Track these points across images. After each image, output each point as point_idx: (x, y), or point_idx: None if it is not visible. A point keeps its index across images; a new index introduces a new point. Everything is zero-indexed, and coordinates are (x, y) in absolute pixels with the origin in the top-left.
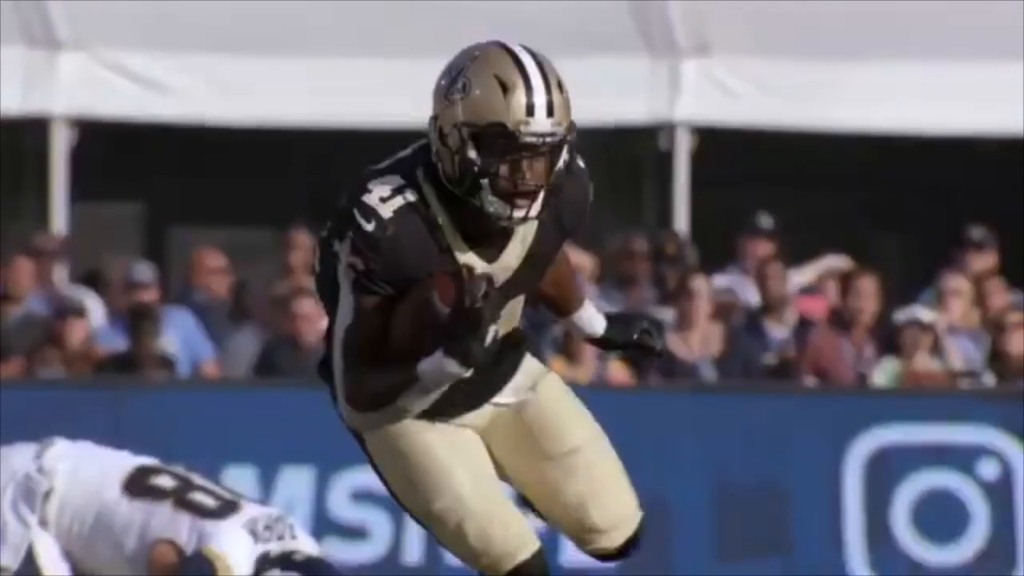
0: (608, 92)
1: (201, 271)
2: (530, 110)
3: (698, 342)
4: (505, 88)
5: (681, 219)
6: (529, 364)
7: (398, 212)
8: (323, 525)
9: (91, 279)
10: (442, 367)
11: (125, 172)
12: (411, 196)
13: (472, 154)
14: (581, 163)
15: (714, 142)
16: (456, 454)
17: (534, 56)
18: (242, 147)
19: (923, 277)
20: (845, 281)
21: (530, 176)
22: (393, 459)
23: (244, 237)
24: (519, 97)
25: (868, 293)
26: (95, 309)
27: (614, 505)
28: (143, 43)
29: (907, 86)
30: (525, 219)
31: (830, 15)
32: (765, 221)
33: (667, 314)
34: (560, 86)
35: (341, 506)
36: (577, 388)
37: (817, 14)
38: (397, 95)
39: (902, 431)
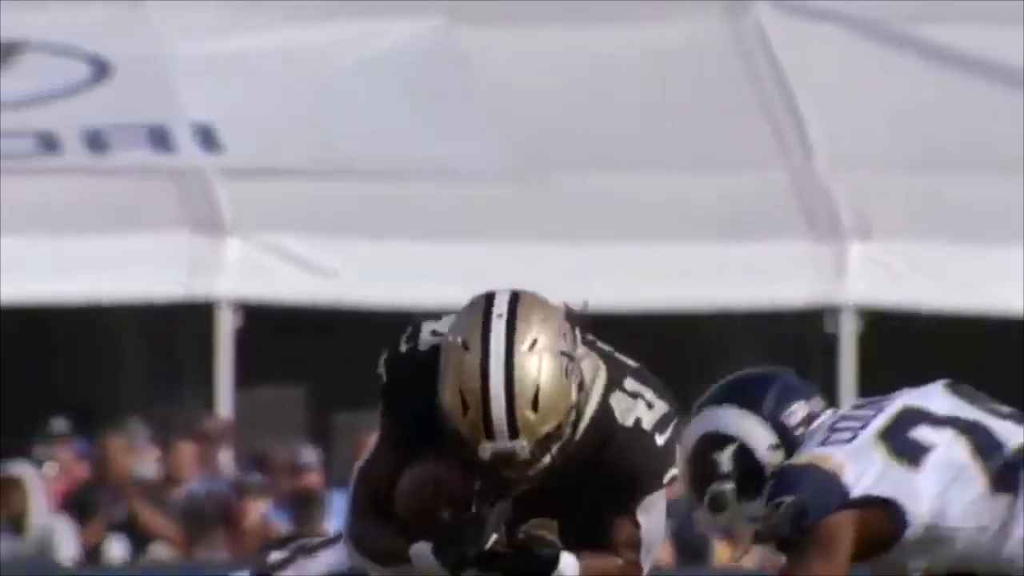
0: (772, 275)
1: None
2: (488, 434)
3: None
4: (465, 406)
5: (848, 401)
6: None
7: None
8: None
9: (257, 463)
10: (429, 561)
11: (289, 356)
12: None
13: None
14: (647, 420)
15: (881, 324)
16: None
17: (511, 350)
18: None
19: None
20: None
21: (510, 472)
22: None
23: None
24: (474, 421)
25: None
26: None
27: None
28: (306, 227)
29: None
30: (521, 479)
31: (987, 200)
32: None
33: None
34: (534, 397)
35: None
36: (742, 572)
37: (976, 198)
38: (557, 280)
39: None
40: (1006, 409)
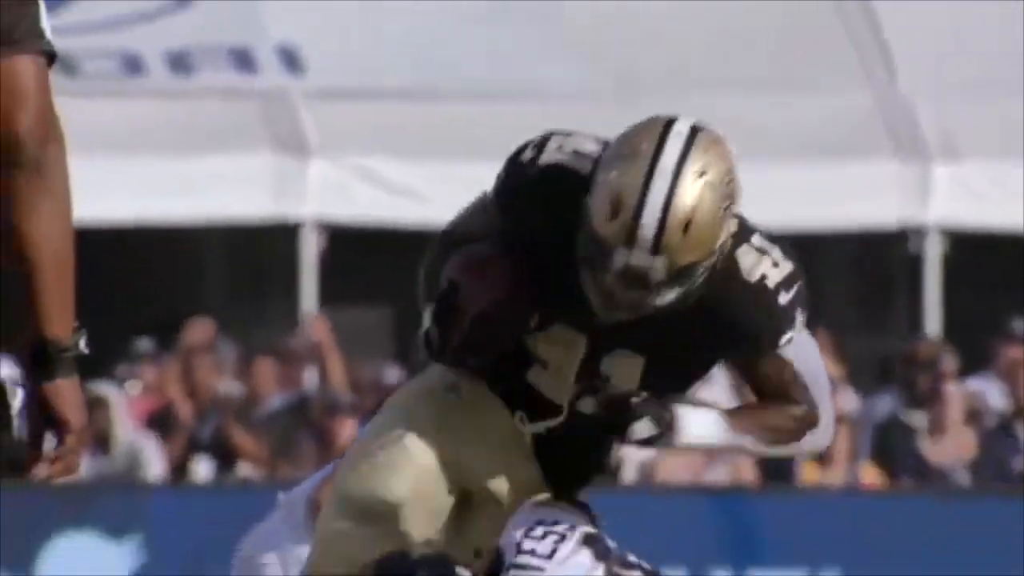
0: (857, 197)
1: None
2: (629, 242)
3: (951, 447)
4: (615, 210)
5: (933, 323)
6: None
7: (562, 169)
8: None
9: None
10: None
11: (373, 277)
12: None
13: (580, 239)
14: (772, 277)
15: (966, 245)
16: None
17: (680, 169)
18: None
19: None
20: None
21: (622, 299)
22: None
23: None
24: (622, 224)
25: None
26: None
27: None
28: (391, 149)
29: None
30: (617, 319)
31: None
32: (1018, 325)
33: (920, 418)
34: (689, 220)
35: None
36: (829, 492)
37: None
38: None
39: None
40: None
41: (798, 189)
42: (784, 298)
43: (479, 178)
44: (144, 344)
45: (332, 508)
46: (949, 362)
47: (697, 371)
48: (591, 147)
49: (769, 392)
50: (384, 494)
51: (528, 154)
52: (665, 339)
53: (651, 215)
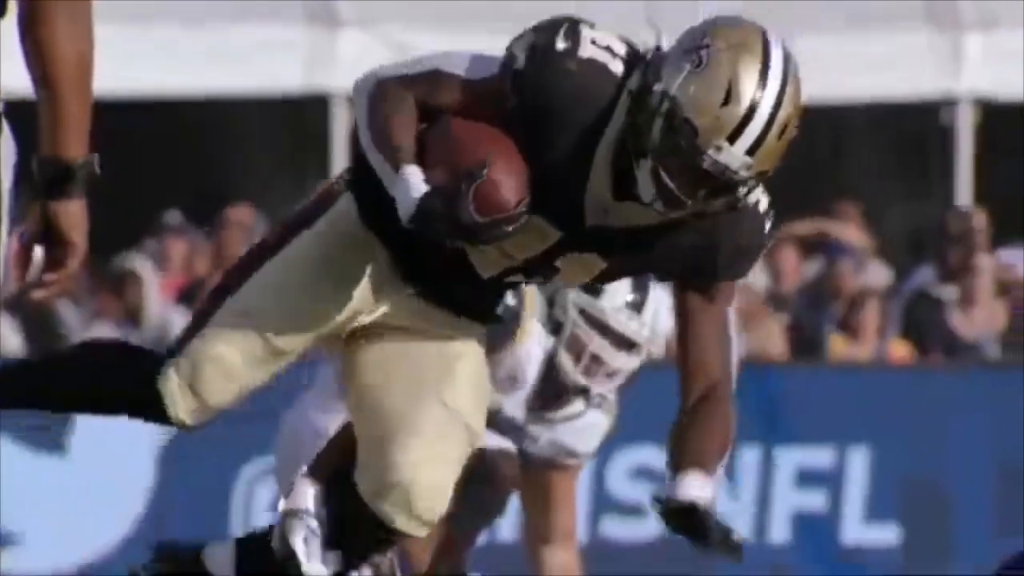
0: (889, 67)
1: None
2: (733, 136)
3: (981, 319)
4: (728, 98)
5: (964, 194)
6: (477, 329)
7: (599, 66)
8: (602, 503)
9: None
10: (405, 198)
11: None
12: (617, 72)
13: (655, 130)
14: (763, 205)
15: (999, 115)
16: (320, 287)
17: (786, 77)
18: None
19: None
20: None
21: (682, 191)
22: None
23: None
24: (732, 115)
25: None
26: None
27: (435, 462)
28: (422, 20)
29: None
30: (660, 212)
31: None
32: None
33: (950, 292)
34: (784, 129)
35: (620, 484)
36: (858, 366)
37: None
38: None
39: None
40: None
41: (829, 59)
42: (767, 227)
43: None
44: (174, 217)
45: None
46: (981, 234)
47: (646, 279)
48: (620, 47)
49: (698, 340)
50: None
51: (562, 44)
52: (640, 250)
53: (760, 116)
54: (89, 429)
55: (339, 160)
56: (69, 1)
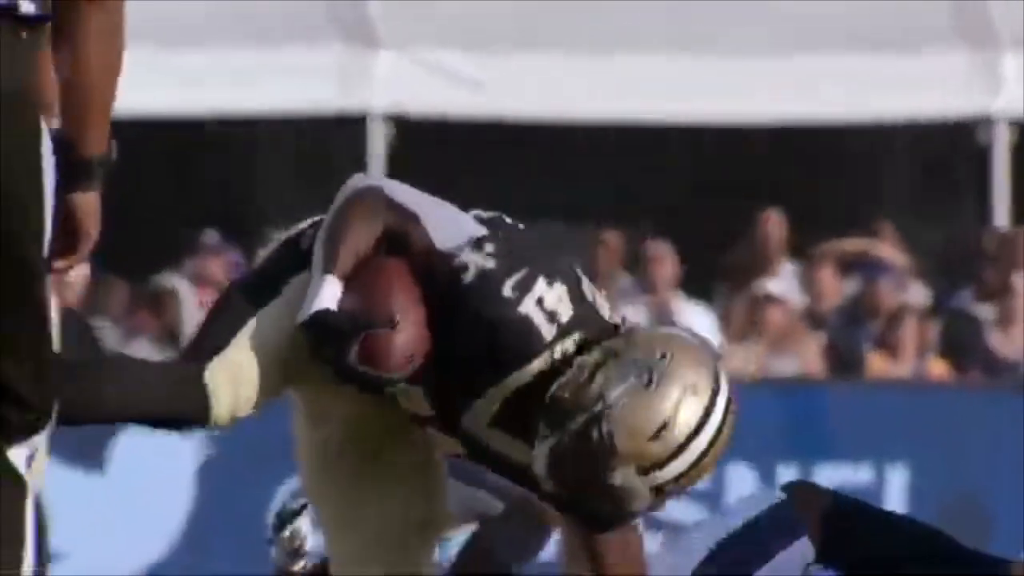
0: (924, 86)
1: None
2: (646, 471)
3: (1019, 338)
4: (658, 436)
5: (1002, 214)
6: None
7: (530, 326)
8: None
9: None
10: (309, 300)
11: (441, 169)
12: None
13: (576, 420)
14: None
15: None
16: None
17: (718, 433)
18: (557, 145)
19: None
20: None
21: (570, 486)
22: None
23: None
24: (655, 453)
25: None
26: None
27: None
28: (458, 41)
29: None
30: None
31: None
32: None
33: (987, 311)
34: (698, 476)
35: None
36: (897, 384)
37: None
38: (704, 93)
39: None
40: None
41: (866, 78)
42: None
43: (548, 70)
44: (211, 236)
45: None
46: (1018, 254)
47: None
48: (566, 312)
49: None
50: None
51: (509, 292)
52: (502, 469)
53: (680, 464)
54: (130, 448)
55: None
56: (101, 3)
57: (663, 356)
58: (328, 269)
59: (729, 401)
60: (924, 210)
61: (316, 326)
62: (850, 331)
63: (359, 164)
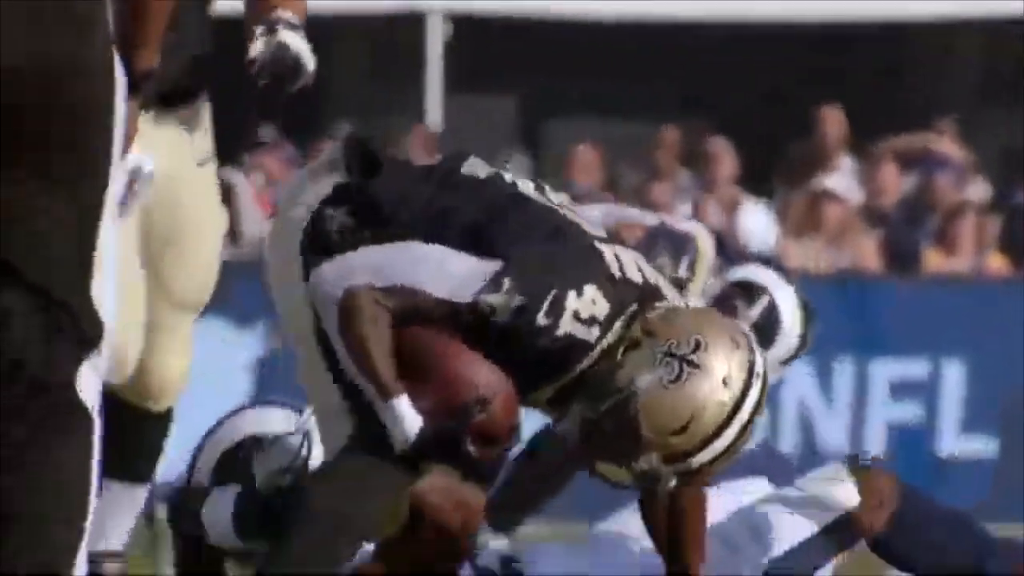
0: None
1: (575, 166)
2: (669, 460)
3: None
4: (683, 431)
5: None
6: None
7: (575, 342)
8: None
9: None
10: (398, 429)
11: (499, 65)
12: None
13: (604, 402)
14: None
15: None
16: None
17: (744, 430)
18: (616, 42)
19: None
20: None
21: (602, 457)
22: None
23: (616, 133)
24: (678, 446)
25: None
26: None
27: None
28: None
29: None
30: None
31: None
32: None
33: None
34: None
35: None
36: (954, 279)
37: None
38: None
39: None
40: None
41: None
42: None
43: None
44: (268, 132)
45: None
46: None
47: None
48: (603, 309)
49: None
50: None
51: (544, 320)
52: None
53: (702, 457)
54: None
55: (433, 76)
56: None
57: (696, 346)
58: (386, 396)
59: (763, 388)
60: (986, 107)
61: (422, 447)
62: (908, 227)
63: (418, 62)
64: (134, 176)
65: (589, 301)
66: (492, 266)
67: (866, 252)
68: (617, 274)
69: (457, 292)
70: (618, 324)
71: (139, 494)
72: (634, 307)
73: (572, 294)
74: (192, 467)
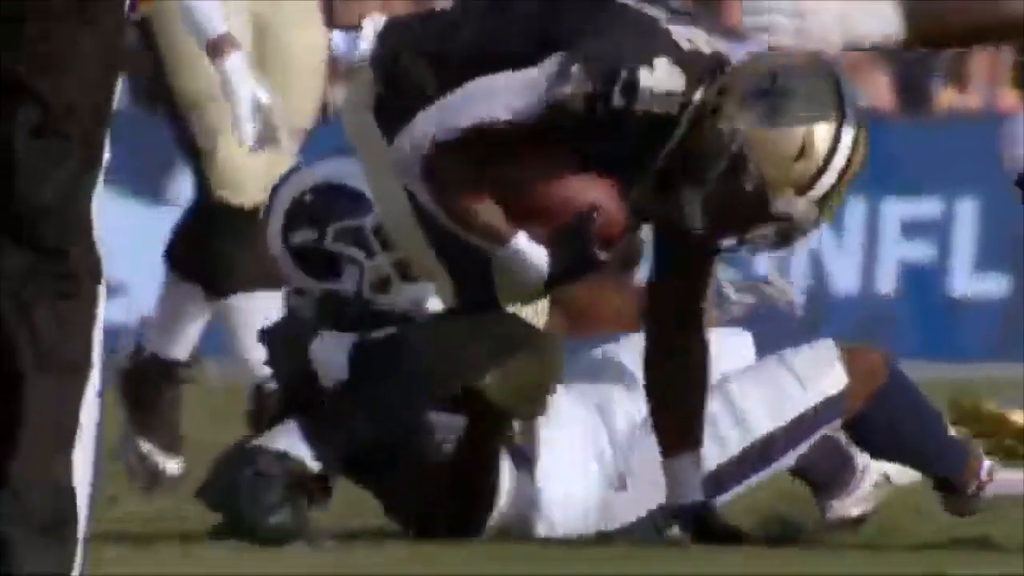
0: None
1: None
2: (802, 190)
3: None
4: (802, 154)
5: None
6: None
7: (655, 115)
8: None
9: None
10: (527, 264)
11: None
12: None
13: (717, 165)
14: None
15: None
16: None
17: (858, 132)
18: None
19: None
20: None
21: (735, 226)
22: None
23: None
24: (804, 171)
25: None
26: None
27: None
28: None
29: None
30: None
31: None
32: None
33: None
34: (850, 178)
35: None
36: (966, 117)
37: None
38: None
39: None
40: None
41: None
42: None
43: None
44: None
45: None
46: None
47: None
48: (678, 80)
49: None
50: None
51: (619, 101)
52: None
53: (834, 169)
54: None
55: None
56: None
57: (775, 78)
58: (502, 240)
59: (860, 108)
60: None
61: (560, 272)
62: (919, 65)
63: None
64: (257, 109)
65: (664, 74)
66: (555, 62)
67: (879, 90)
68: (686, 46)
69: (527, 102)
70: (696, 95)
71: (206, 304)
72: (709, 77)
73: (644, 71)
74: (268, 210)
